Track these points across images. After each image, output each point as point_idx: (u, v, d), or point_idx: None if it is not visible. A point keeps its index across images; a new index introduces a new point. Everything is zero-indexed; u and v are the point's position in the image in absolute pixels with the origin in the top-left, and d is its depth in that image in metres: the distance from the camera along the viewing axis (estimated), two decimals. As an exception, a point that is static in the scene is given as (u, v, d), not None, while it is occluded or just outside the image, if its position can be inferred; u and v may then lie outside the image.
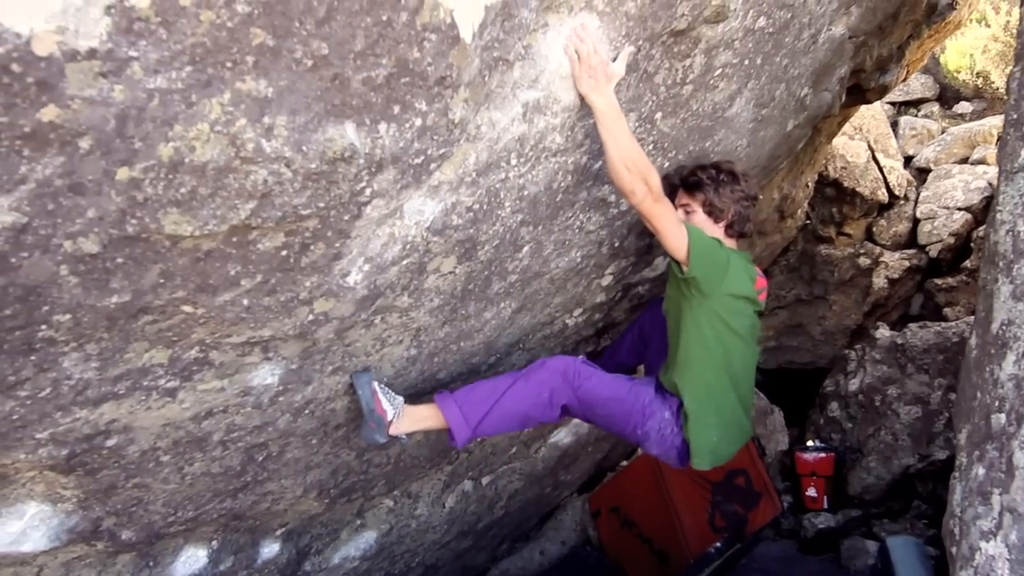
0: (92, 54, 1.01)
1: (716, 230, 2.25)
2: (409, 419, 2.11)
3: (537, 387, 2.19)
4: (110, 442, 1.57)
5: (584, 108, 1.83)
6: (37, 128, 1.01)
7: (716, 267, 2.11)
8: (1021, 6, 2.10)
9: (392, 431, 2.07)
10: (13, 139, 1.01)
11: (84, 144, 1.07)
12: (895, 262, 4.85)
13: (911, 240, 5.11)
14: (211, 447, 1.81)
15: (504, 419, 2.18)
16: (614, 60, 1.78)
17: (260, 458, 2.01)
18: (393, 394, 2.11)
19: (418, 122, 1.47)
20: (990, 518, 1.53)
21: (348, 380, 1.99)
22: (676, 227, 2.04)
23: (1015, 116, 1.98)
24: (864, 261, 4.70)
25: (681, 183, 2.27)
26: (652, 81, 1.99)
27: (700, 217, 2.24)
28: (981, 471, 1.63)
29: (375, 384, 2.03)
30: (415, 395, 2.34)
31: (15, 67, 0.95)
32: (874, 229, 5.17)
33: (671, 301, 2.26)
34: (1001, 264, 1.84)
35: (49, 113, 1.01)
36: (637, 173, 1.88)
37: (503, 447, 3.26)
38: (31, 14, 0.94)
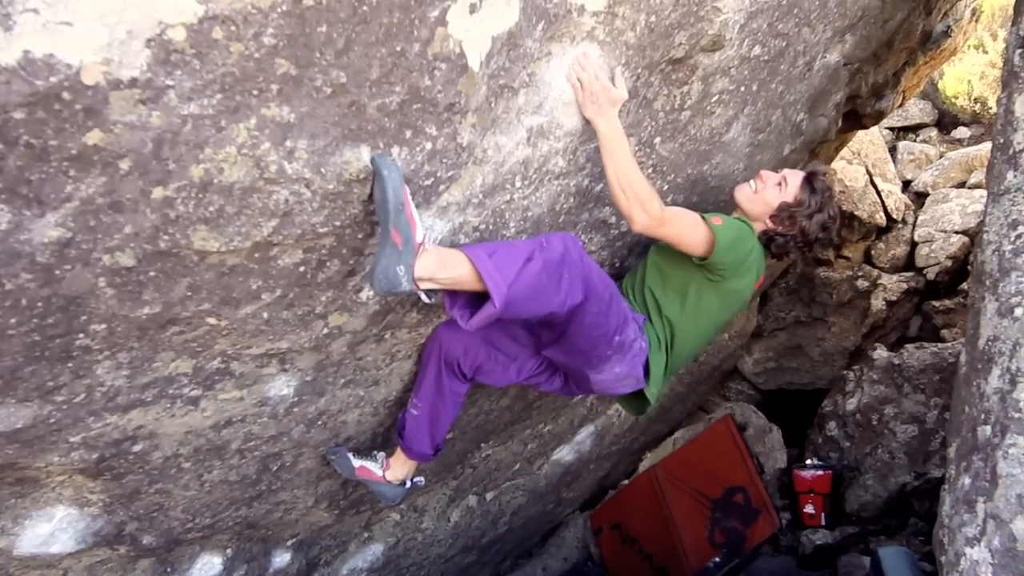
0: (133, 83, 1.10)
1: (762, 219, 2.19)
2: (437, 261, 1.63)
3: (557, 264, 1.76)
4: (136, 447, 1.64)
5: (585, 133, 1.93)
6: (83, 151, 1.11)
7: (737, 260, 2.10)
8: (1006, 36, 2.20)
9: (418, 272, 1.58)
10: (61, 160, 1.10)
11: (124, 165, 1.16)
12: (893, 284, 4.91)
13: (909, 263, 5.18)
14: (229, 455, 1.88)
15: (530, 287, 1.71)
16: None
17: (274, 468, 2.07)
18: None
19: (428, 146, 1.56)
20: (975, 525, 1.59)
21: (368, 164, 1.46)
22: (690, 234, 2.02)
23: (1001, 140, 2.06)
24: (863, 283, 4.77)
25: (806, 177, 2.17)
26: (651, 107, 2.08)
27: (771, 194, 2.16)
28: (967, 481, 1.69)
29: (406, 189, 1.53)
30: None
31: (65, 95, 1.05)
32: (872, 252, 5.25)
33: (663, 253, 2.20)
34: (987, 282, 1.92)
35: (94, 137, 1.10)
36: (635, 198, 1.89)
37: (507, 463, 3.32)
38: (80, 47, 1.03)
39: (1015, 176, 1.88)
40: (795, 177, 2.17)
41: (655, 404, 2.25)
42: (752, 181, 2.22)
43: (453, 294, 1.74)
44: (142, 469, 1.72)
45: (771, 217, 2.17)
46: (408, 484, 2.31)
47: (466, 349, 2.08)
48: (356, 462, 2.20)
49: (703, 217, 2.04)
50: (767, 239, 2.21)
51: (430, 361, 2.11)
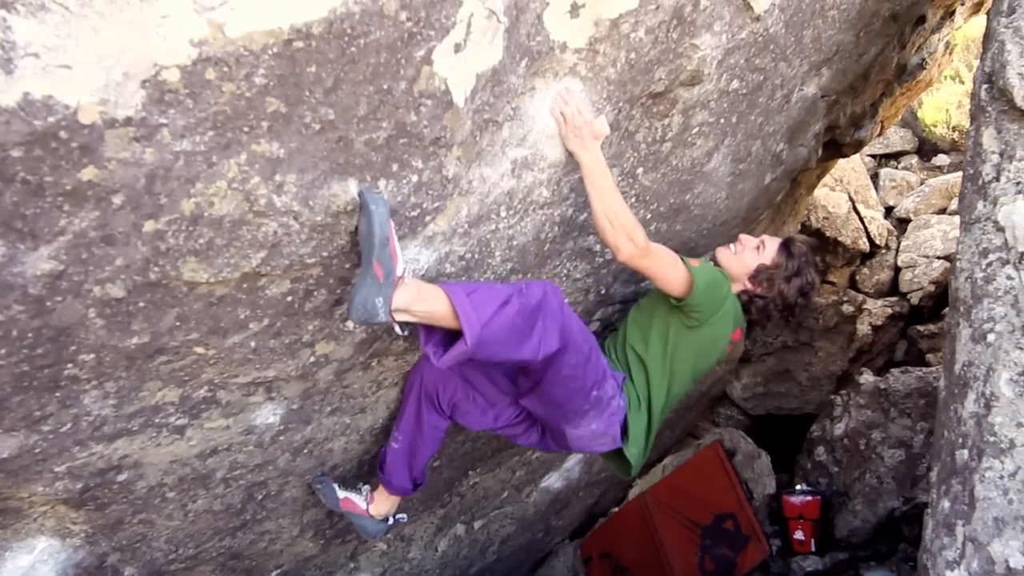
0: (128, 121, 1.14)
1: (741, 280, 2.24)
2: (415, 295, 1.65)
3: (533, 310, 1.78)
4: (121, 477, 1.65)
5: (569, 164, 1.98)
6: (77, 186, 1.14)
7: (713, 304, 2.13)
8: (974, 72, 2.27)
9: (395, 304, 1.60)
10: (56, 196, 1.13)
11: (117, 200, 1.19)
12: (878, 309, 4.98)
13: (893, 288, 5.25)
14: (214, 484, 1.89)
15: (503, 329, 1.72)
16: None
17: (260, 496, 2.08)
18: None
19: (414, 178, 1.60)
20: (955, 548, 1.61)
21: (356, 197, 1.50)
22: (670, 271, 2.06)
23: (971, 171, 2.12)
24: (848, 308, 4.83)
25: (783, 242, 2.25)
26: (633, 139, 2.14)
27: (749, 256, 2.23)
28: (947, 504, 1.72)
29: (391, 223, 1.56)
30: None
31: (63, 134, 1.08)
32: (857, 277, 5.33)
33: (641, 310, 2.28)
34: (962, 309, 1.96)
35: (88, 173, 1.14)
36: (620, 228, 1.92)
37: (495, 491, 3.32)
38: (79, 88, 1.07)
39: (984, 206, 1.93)
40: (773, 242, 2.26)
41: (637, 466, 2.24)
42: (732, 244, 2.30)
43: (430, 330, 1.76)
44: (126, 499, 1.72)
45: (750, 279, 2.24)
46: (391, 521, 2.32)
47: (445, 384, 2.11)
48: (341, 493, 2.20)
49: (682, 259, 2.09)
50: (747, 300, 2.26)
51: (411, 393, 2.13)
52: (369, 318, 1.57)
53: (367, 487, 2.28)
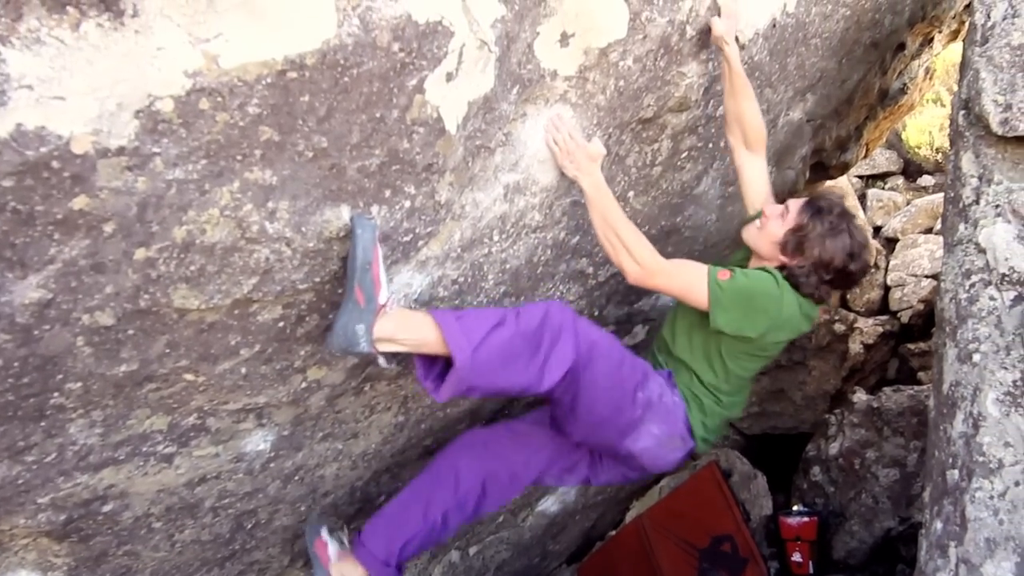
0: (121, 151, 1.14)
1: (775, 256, 1.98)
2: (399, 323, 1.58)
3: (535, 332, 1.70)
4: (106, 507, 1.63)
5: (560, 188, 2.00)
6: (68, 215, 1.14)
7: (752, 318, 1.88)
8: (952, 98, 2.32)
9: (377, 333, 1.53)
10: (47, 225, 1.13)
11: (108, 228, 1.19)
12: (869, 328, 5.00)
13: (883, 307, 5.29)
14: (202, 513, 1.86)
15: (499, 352, 1.64)
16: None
17: (249, 525, 2.05)
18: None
19: (407, 204, 1.61)
20: (948, 570, 1.62)
21: (348, 223, 1.48)
22: (690, 289, 1.89)
23: (952, 194, 2.16)
24: (839, 327, 4.85)
25: (806, 200, 1.99)
26: (624, 163, 2.16)
27: (774, 226, 1.97)
28: (939, 525, 1.72)
29: (377, 250, 1.51)
30: (402, 463, 2.41)
31: (55, 164, 1.09)
32: (848, 296, 5.36)
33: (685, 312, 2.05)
34: (947, 329, 1.98)
35: (80, 202, 1.14)
36: (622, 249, 1.85)
37: (490, 515, 3.29)
38: (72, 119, 1.08)
39: (966, 228, 1.97)
40: (796, 204, 1.99)
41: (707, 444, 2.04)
42: (758, 220, 2.07)
43: (427, 364, 1.69)
44: (111, 530, 1.69)
45: (781, 251, 1.96)
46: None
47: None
48: (325, 535, 1.97)
49: (709, 271, 1.88)
50: (790, 277, 1.95)
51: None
52: (349, 346, 1.52)
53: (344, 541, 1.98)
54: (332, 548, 1.97)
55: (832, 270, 1.92)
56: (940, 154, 6.83)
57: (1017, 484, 1.64)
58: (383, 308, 1.55)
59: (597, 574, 3.96)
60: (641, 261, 1.86)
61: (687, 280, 1.90)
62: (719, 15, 2.02)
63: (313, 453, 2.03)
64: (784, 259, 1.96)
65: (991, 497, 1.65)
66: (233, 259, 1.38)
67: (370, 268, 1.48)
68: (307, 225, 1.44)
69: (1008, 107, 1.90)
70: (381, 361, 1.64)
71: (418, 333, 1.62)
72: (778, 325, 1.94)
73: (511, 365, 1.65)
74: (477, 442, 2.08)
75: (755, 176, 2.20)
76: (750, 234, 2.07)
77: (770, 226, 1.99)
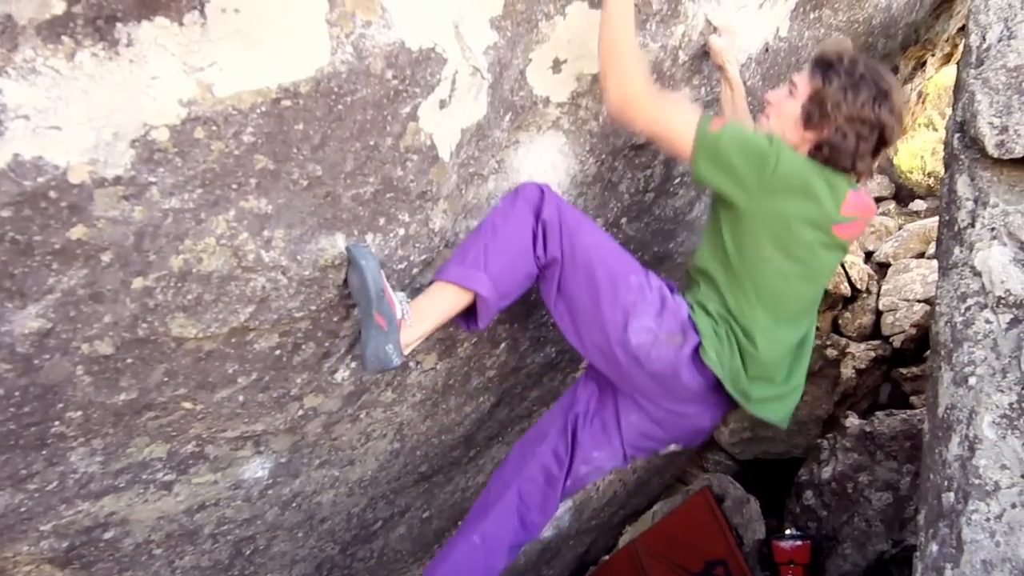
0: (117, 180, 1.16)
1: (800, 137, 1.74)
2: (418, 322, 1.63)
3: (518, 225, 1.70)
4: (107, 535, 1.62)
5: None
6: (66, 245, 1.15)
7: (747, 162, 1.64)
8: (947, 121, 2.36)
9: (405, 342, 1.60)
10: (45, 254, 1.14)
11: (105, 258, 1.20)
12: (861, 353, 5.02)
13: (876, 331, 5.30)
14: (202, 540, 1.85)
15: (500, 250, 1.67)
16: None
17: (247, 552, 2.04)
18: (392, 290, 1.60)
19: (401, 232, 1.63)
20: (945, 594, 1.61)
21: (343, 251, 1.52)
22: (670, 124, 1.69)
23: (947, 218, 2.18)
24: (831, 352, 4.86)
25: (813, 62, 1.77)
26: (616, 190, 2.19)
27: (788, 106, 1.76)
28: (935, 548, 1.72)
29: (382, 273, 1.54)
30: (397, 489, 2.39)
31: (52, 193, 1.10)
32: (840, 321, 5.38)
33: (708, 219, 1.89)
34: (943, 353, 1.99)
35: (77, 232, 1.15)
36: (612, 66, 1.63)
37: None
38: (68, 149, 1.09)
39: (961, 251, 1.98)
40: (799, 74, 1.79)
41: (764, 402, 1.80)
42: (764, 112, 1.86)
43: (464, 317, 1.74)
44: (112, 557, 1.69)
45: (805, 126, 1.74)
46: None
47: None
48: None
49: (703, 115, 1.70)
50: (819, 152, 1.72)
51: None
52: (384, 366, 1.58)
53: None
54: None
55: (866, 123, 1.69)
56: (932, 178, 6.90)
57: (1014, 506, 1.64)
58: (402, 321, 1.60)
59: (593, 601, 3.92)
60: (626, 86, 1.63)
61: (672, 118, 1.70)
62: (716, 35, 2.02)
63: (310, 480, 2.02)
64: (812, 135, 1.73)
65: (988, 519, 1.65)
66: (230, 288, 1.39)
67: (383, 294, 1.53)
68: (302, 253, 1.45)
69: (1004, 129, 1.91)
70: (412, 364, 1.77)
71: (436, 309, 1.67)
72: (783, 182, 1.67)
73: (513, 247, 1.69)
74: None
75: None
76: (764, 123, 1.85)
77: (784, 108, 1.77)
